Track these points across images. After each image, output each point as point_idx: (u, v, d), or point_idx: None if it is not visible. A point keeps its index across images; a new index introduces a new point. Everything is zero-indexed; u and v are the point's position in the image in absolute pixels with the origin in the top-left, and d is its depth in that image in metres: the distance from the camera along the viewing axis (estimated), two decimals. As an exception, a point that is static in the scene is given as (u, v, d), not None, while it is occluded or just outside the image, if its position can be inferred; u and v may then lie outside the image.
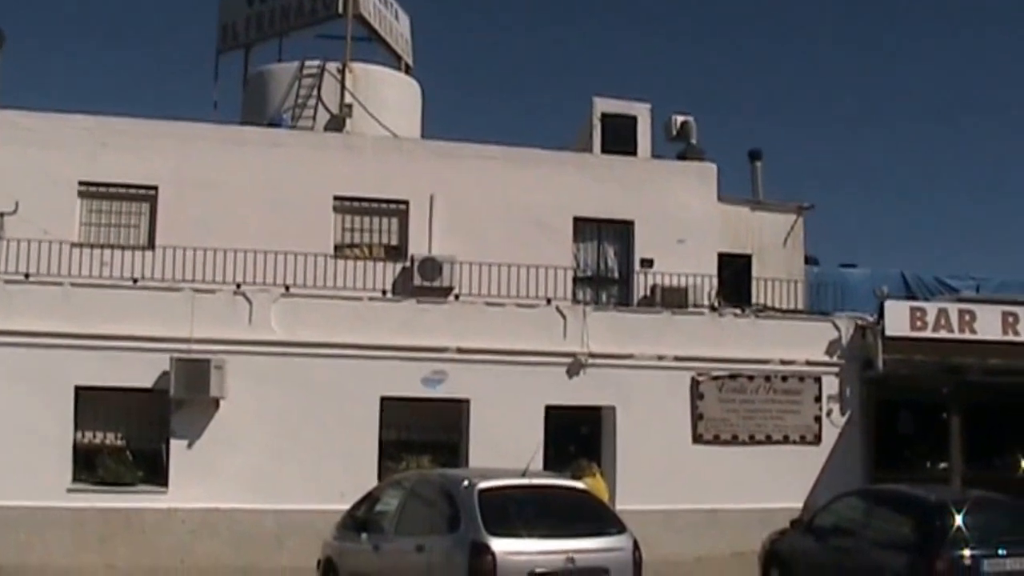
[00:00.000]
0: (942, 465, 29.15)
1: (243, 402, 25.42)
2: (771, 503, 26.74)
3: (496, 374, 26.71)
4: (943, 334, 29.35)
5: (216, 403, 25.35)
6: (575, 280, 30.97)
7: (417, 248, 29.58)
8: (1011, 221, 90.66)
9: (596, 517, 17.74)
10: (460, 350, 26.66)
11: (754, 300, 32.58)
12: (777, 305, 31.93)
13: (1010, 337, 30.02)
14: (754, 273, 34.05)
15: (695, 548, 27.15)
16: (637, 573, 17.21)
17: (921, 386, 29.03)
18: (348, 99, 32.22)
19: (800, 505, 26.47)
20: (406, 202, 30.10)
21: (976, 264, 74.34)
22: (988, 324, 29.90)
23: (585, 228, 31.50)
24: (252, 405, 25.49)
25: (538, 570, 16.32)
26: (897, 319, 29.01)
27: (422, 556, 17.31)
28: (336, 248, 29.46)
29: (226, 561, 24.77)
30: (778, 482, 27.90)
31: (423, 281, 28.62)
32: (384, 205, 30.19)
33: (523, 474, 17.89)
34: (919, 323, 29.20)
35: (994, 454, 31.42)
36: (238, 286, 26.48)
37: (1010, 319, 30.23)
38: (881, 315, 29.12)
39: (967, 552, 18.97)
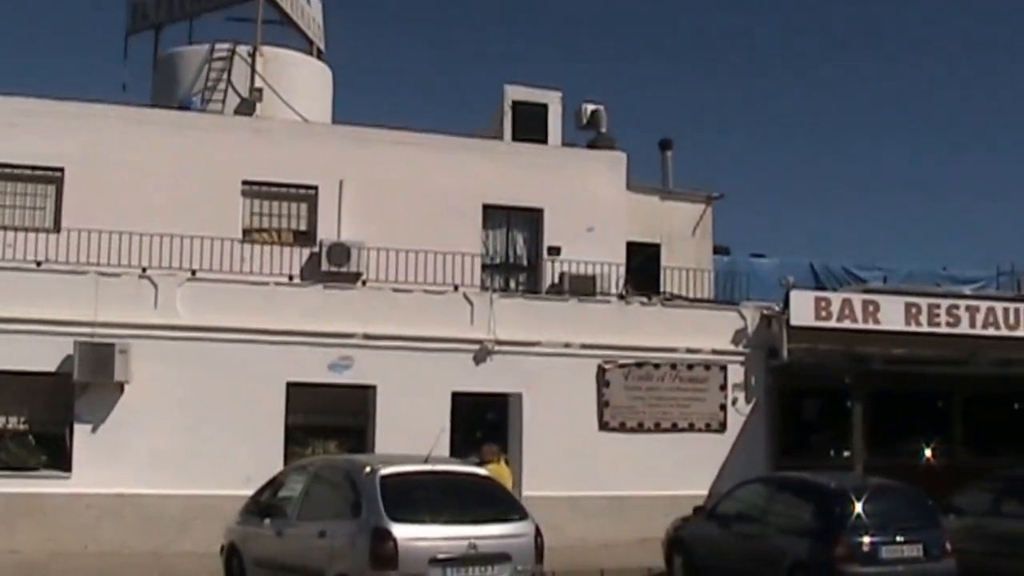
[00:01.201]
0: (846, 453, 29.41)
1: (148, 386, 25.16)
2: (677, 490, 26.90)
3: (403, 360, 26.65)
4: (848, 324, 29.63)
5: (121, 387, 25.10)
6: (484, 267, 30.94)
7: (326, 233, 29.42)
8: (921, 212, 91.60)
9: (499, 503, 17.84)
10: (367, 336, 26.58)
11: (663, 289, 32.68)
12: (686, 294, 32.07)
13: (913, 327, 30.36)
14: (663, 262, 34.11)
15: (601, 534, 27.27)
16: (539, 559, 17.29)
17: (825, 375, 29.29)
18: (258, 83, 31.98)
19: (705, 492, 26.59)
20: (315, 187, 29.91)
21: (888, 254, 75.06)
22: (892, 314, 30.23)
23: (495, 215, 31.52)
24: (157, 389, 25.24)
25: (440, 556, 16.38)
26: (802, 309, 29.26)
27: (324, 542, 17.34)
28: (244, 232, 29.21)
29: (131, 546, 24.54)
30: (684, 469, 28.08)
31: (331, 266, 28.47)
32: (293, 190, 29.99)
33: (426, 460, 17.95)
34: (824, 313, 29.46)
35: (898, 442, 31.78)
36: (144, 270, 26.20)
37: (913, 309, 30.57)
38: (787, 304, 29.35)
39: (866, 538, 19.32)
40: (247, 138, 29.89)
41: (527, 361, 27.62)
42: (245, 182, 29.56)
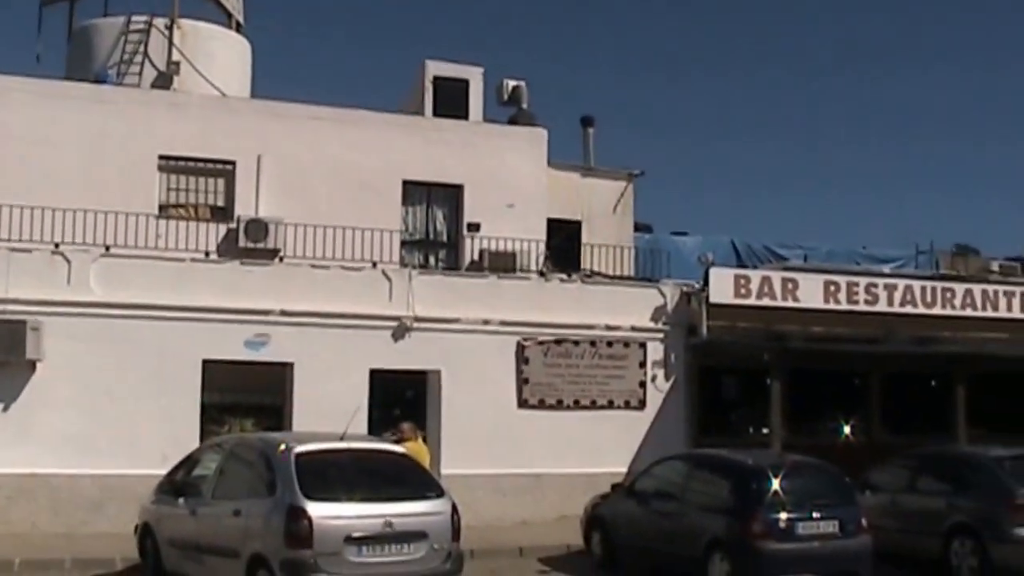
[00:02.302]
0: (764, 430, 29.52)
1: (61, 364, 24.74)
2: (596, 468, 26.94)
3: (320, 337, 26.38)
4: (767, 301, 29.69)
5: (33, 365, 24.66)
6: (403, 243, 30.69)
7: (243, 209, 29.07)
8: (842, 192, 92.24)
9: (415, 481, 17.85)
10: (284, 313, 26.26)
11: (583, 266, 32.67)
12: (606, 272, 32.06)
13: (832, 305, 30.50)
14: (583, 239, 34.11)
15: (519, 512, 27.28)
16: (455, 537, 17.35)
17: (744, 353, 29.37)
18: (176, 56, 31.47)
19: (624, 470, 26.65)
20: (233, 162, 29.56)
21: (810, 234, 75.58)
22: (811, 292, 30.33)
23: (414, 191, 31.31)
24: (71, 368, 24.81)
25: (355, 534, 16.38)
26: (722, 286, 29.28)
27: (239, 520, 17.28)
28: (160, 208, 28.83)
29: (44, 526, 24.17)
30: (603, 447, 28.08)
31: (249, 242, 28.15)
32: (210, 165, 29.61)
33: (342, 438, 17.87)
34: (743, 290, 29.50)
35: (817, 420, 31.99)
36: (57, 245, 25.77)
37: (832, 288, 30.70)
38: (706, 282, 29.36)
39: (783, 515, 19.50)
40: (164, 112, 29.45)
41: (446, 338, 27.43)
42: (162, 157, 29.14)
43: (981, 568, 21.21)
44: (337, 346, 26.44)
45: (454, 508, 17.39)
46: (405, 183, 31.03)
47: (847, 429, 31.79)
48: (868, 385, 33.06)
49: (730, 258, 39.68)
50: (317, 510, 16.28)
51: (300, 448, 17.28)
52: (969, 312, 31.99)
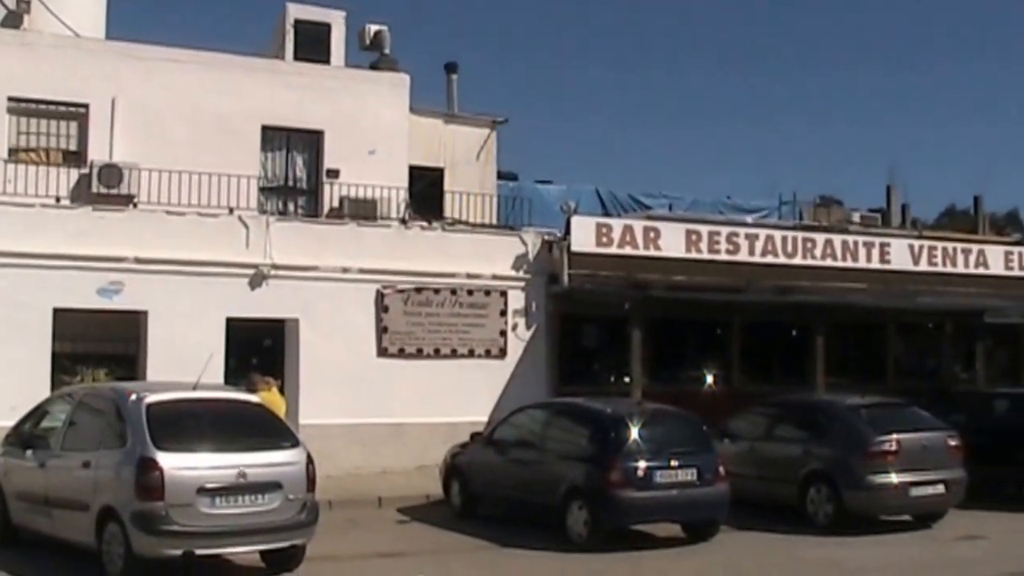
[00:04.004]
0: (626, 379, 29.52)
1: (-95, 313, 24.06)
2: (456, 417, 26.90)
3: (176, 285, 25.82)
4: (628, 250, 29.72)
5: None
6: (262, 190, 30.18)
7: (97, 154, 28.25)
8: (709, 140, 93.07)
9: (269, 431, 17.64)
10: (138, 260, 25.63)
11: (445, 214, 32.46)
12: (469, 219, 31.86)
13: (694, 255, 30.65)
14: (446, 187, 33.89)
15: (379, 462, 27.10)
16: (311, 487, 17.18)
17: (606, 301, 29.31)
18: (26, -7, 30.58)
19: (485, 419, 26.69)
20: (86, 105, 28.72)
21: (676, 184, 76.08)
22: (672, 241, 30.43)
23: (273, 136, 30.77)
24: (-85, 316, 24.15)
25: (208, 485, 16.17)
26: (583, 235, 29.23)
27: (88, 472, 16.96)
28: (10, 152, 27.91)
29: None
30: (463, 396, 28.01)
31: (102, 188, 27.37)
32: (63, 108, 28.73)
33: (194, 387, 17.62)
34: (605, 239, 29.48)
35: (678, 368, 32.13)
36: (-98, 190, 25.01)
37: (694, 237, 30.85)
38: (568, 231, 29.27)
39: (641, 463, 19.64)
40: (13, 52, 28.40)
41: (304, 286, 27.04)
42: (11, 99, 28.25)
43: (836, 514, 21.56)
44: (193, 294, 25.92)
45: (309, 458, 17.18)
46: (264, 128, 30.48)
47: (709, 378, 31.90)
48: (729, 334, 33.24)
49: (594, 207, 39.73)
50: (168, 461, 15.99)
51: (152, 398, 16.96)
52: (829, 262, 32.38)
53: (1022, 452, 24.67)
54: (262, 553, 17.10)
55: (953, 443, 22.40)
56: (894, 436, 21.71)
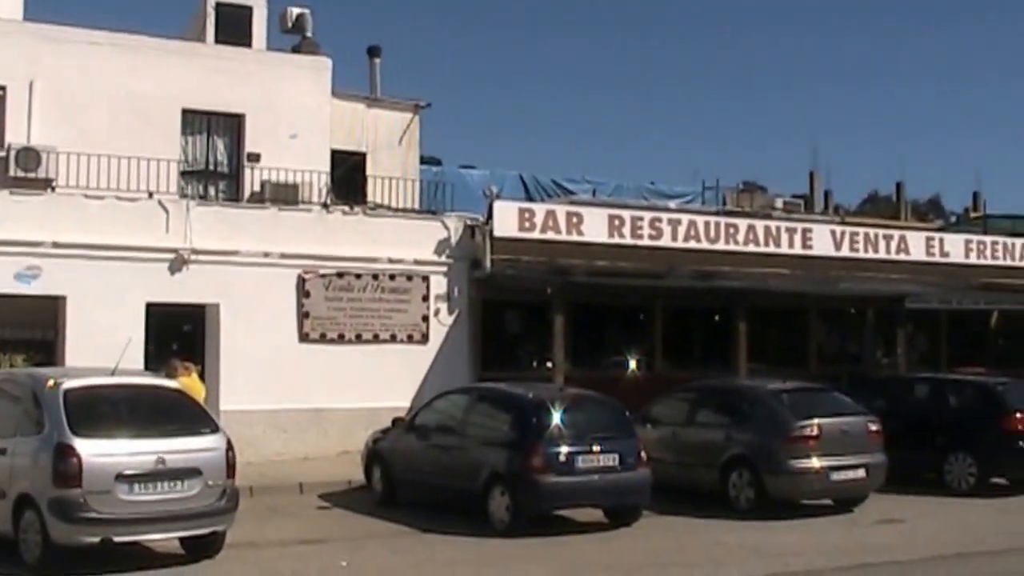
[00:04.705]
0: (548, 364, 29.54)
1: None
2: (378, 402, 26.78)
3: (94, 270, 25.44)
4: (551, 235, 29.67)
5: None
6: (182, 174, 29.92)
7: (14, 137, 27.84)
8: (632, 124, 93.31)
9: (188, 417, 17.54)
10: (56, 244, 25.27)
11: (367, 199, 32.32)
12: (392, 204, 31.74)
13: (616, 240, 30.63)
14: (368, 171, 33.78)
15: (301, 448, 27.02)
16: (231, 473, 17.12)
17: (528, 286, 29.28)
18: (-62, -26, 30.10)
19: (407, 404, 26.60)
20: (3, 87, 28.33)
21: (600, 170, 76.32)
22: (595, 227, 30.39)
23: (194, 120, 30.49)
24: None
25: (127, 472, 16.08)
26: (506, 220, 29.15)
27: (4, 460, 16.85)
28: (-76, 136, 27.60)
29: None
30: (385, 381, 27.89)
31: (20, 171, 26.92)
32: (-22, 90, 28.39)
33: (113, 373, 17.48)
34: (527, 224, 29.42)
35: (600, 354, 32.16)
36: None
37: (616, 222, 30.82)
38: (490, 215, 29.20)
39: (563, 448, 19.65)
40: (-73, 34, 28.15)
41: (225, 271, 26.76)
42: (-75, 81, 27.87)
43: (757, 499, 21.68)
44: (112, 279, 25.55)
45: (229, 444, 17.11)
46: (185, 112, 30.21)
47: (631, 363, 31.96)
48: (651, 319, 33.33)
49: (517, 192, 39.78)
50: (86, 447, 15.88)
51: (69, 384, 16.81)
52: (752, 248, 32.49)
53: (941, 437, 24.96)
54: (182, 540, 16.97)
55: (873, 428, 22.57)
56: (815, 421, 21.83)
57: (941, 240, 36.90)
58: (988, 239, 37.72)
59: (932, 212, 73.09)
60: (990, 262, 36.82)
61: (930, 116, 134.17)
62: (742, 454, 22.02)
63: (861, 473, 22.02)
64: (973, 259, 36.58)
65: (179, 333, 26.98)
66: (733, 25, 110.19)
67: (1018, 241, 38.04)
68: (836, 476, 21.73)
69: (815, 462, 21.54)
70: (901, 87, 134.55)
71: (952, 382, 27.58)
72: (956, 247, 36.59)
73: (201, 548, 17.02)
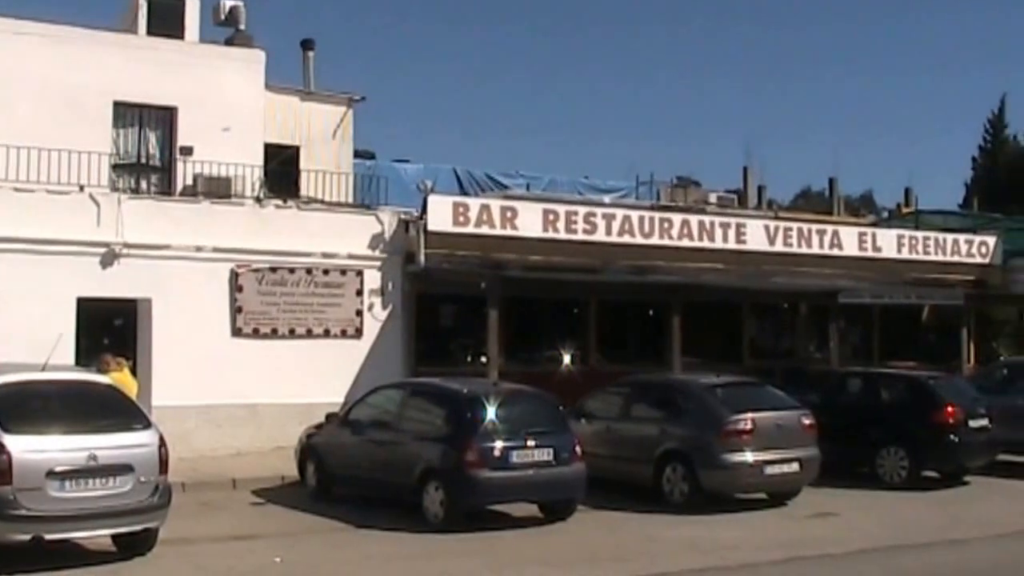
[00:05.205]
0: (483, 359, 29.51)
1: None
2: (312, 398, 26.58)
3: (23, 264, 25.09)
4: (485, 230, 29.56)
5: None
6: (114, 167, 29.66)
7: (-60, 129, 27.56)
8: (569, 117, 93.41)
9: (120, 413, 17.32)
10: (-15, 238, 25.06)
11: (301, 192, 32.18)
12: (326, 198, 31.61)
13: (551, 234, 30.56)
14: (302, 165, 33.64)
15: (234, 443, 26.85)
16: (163, 469, 16.97)
17: (462, 281, 29.21)
18: None
19: (341, 399, 26.35)
20: (-73, 79, 28.05)
21: (535, 164, 76.34)
22: (530, 221, 30.32)
23: (126, 112, 30.23)
24: None
25: (58, 468, 15.90)
26: (440, 214, 29.01)
27: (-67, 458, 16.40)
28: None
29: None
30: (319, 376, 27.74)
31: (-55, 165, 26.71)
32: (-98, 82, 28.00)
33: (43, 368, 17.28)
34: (462, 219, 29.29)
35: (535, 349, 32.20)
36: None
37: (551, 217, 30.76)
38: (425, 210, 29.09)
39: (497, 443, 19.66)
40: None
41: (157, 265, 26.48)
42: None
43: (692, 493, 21.75)
44: (42, 273, 25.21)
45: (162, 440, 16.95)
46: (116, 104, 29.95)
47: (566, 358, 31.99)
48: (586, 314, 33.40)
49: (452, 186, 39.75)
50: (16, 444, 15.68)
51: (-1, 379, 16.56)
52: (686, 243, 32.50)
53: (874, 431, 25.15)
54: (114, 537, 16.78)
55: (807, 422, 22.68)
56: (749, 415, 21.91)
57: (874, 235, 37.16)
58: (920, 235, 38.02)
59: (864, 208, 73.70)
60: (922, 257, 37.12)
61: (863, 113, 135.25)
62: (676, 448, 22.08)
63: (795, 467, 22.13)
64: (905, 254, 36.86)
65: (111, 328, 26.73)
66: (668, 19, 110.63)
67: (949, 237, 38.41)
68: (770, 470, 21.83)
69: (749, 456, 21.62)
70: (834, 84, 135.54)
71: (884, 376, 27.85)
72: (888, 243, 36.86)
73: (134, 545, 16.86)
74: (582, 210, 31.77)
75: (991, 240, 38.92)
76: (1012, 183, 62.17)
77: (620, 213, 32.24)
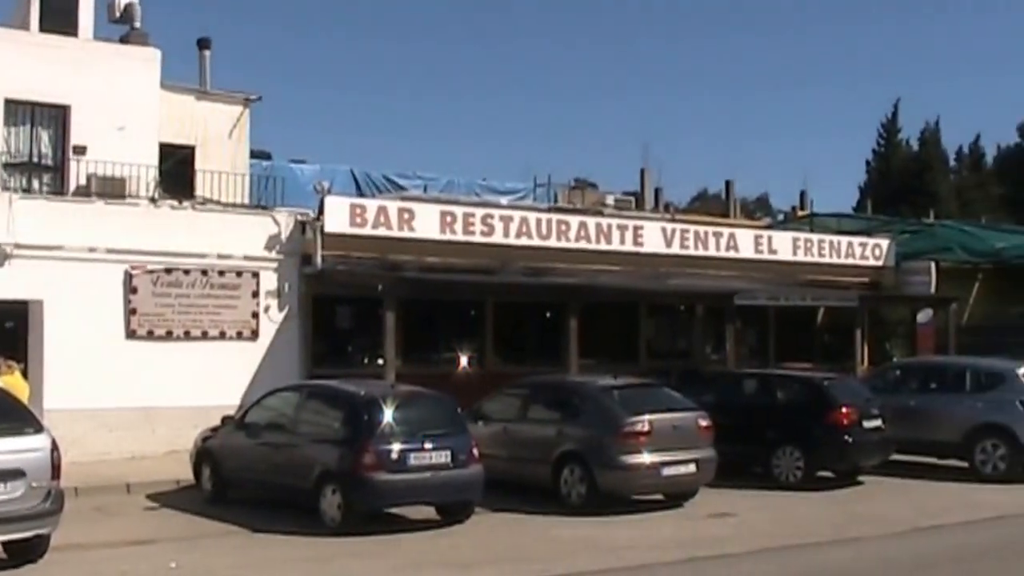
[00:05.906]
0: (380, 361, 29.37)
1: None
2: (207, 400, 26.28)
3: (-88, 264, 24.80)
4: (383, 231, 29.56)
5: None
6: (5, 166, 29.21)
7: None
8: (466, 119, 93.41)
9: (11, 416, 17.08)
10: None
11: (197, 193, 31.86)
12: (221, 199, 31.32)
13: (448, 236, 30.61)
14: (198, 165, 33.30)
15: (128, 447, 26.51)
16: (56, 474, 16.71)
17: (359, 282, 29.04)
18: None
19: (237, 402, 26.13)
20: None
21: (432, 165, 76.26)
22: (427, 223, 30.33)
23: (17, 110, 29.76)
24: None
25: (-54, 474, 15.49)
26: (337, 215, 28.92)
27: None
28: None
29: None
30: (214, 379, 27.44)
31: None
32: None
33: (-71, 372, 16.89)
34: (359, 220, 29.24)
35: (432, 350, 32.12)
36: None
37: (449, 218, 30.80)
38: (321, 211, 28.95)
39: (395, 445, 19.69)
40: None
41: (49, 266, 26.05)
42: None
43: (589, 494, 21.81)
44: (-70, 274, 24.86)
45: (54, 444, 16.67)
46: (8, 101, 29.48)
47: (463, 359, 31.94)
48: (483, 315, 33.36)
49: (349, 187, 39.58)
50: (-97, 450, 15.32)
51: None
52: (583, 245, 32.69)
53: (770, 431, 25.36)
54: (4, 544, 16.48)
55: (703, 423, 22.80)
56: (646, 417, 21.99)
57: (769, 238, 37.56)
58: (815, 237, 38.48)
59: (760, 210, 74.44)
60: (817, 259, 37.61)
61: (759, 117, 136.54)
62: (574, 450, 22.14)
63: (692, 468, 22.24)
64: (800, 257, 37.33)
65: (1, 330, 26.27)
66: (565, 25, 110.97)
67: (844, 239, 38.92)
68: (667, 471, 21.91)
69: (646, 457, 21.70)
70: (731, 87, 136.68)
71: (780, 377, 28.15)
72: (784, 245, 37.29)
73: (25, 552, 16.57)
74: (479, 212, 31.82)
75: (884, 243, 39.53)
76: (905, 187, 63.20)
77: (517, 215, 32.33)
